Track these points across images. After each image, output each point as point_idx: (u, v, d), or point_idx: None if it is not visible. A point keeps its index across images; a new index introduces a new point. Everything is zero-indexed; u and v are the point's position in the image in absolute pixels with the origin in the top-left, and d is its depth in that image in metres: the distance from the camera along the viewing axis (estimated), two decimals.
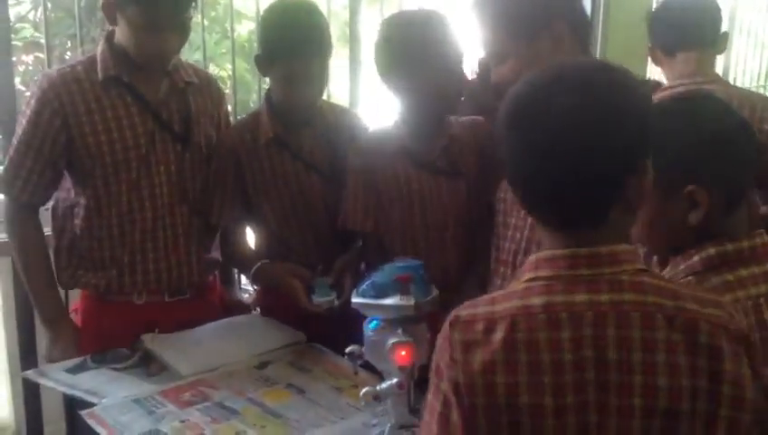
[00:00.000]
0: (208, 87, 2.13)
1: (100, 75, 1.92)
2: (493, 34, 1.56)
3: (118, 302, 2.03)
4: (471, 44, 1.81)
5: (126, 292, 2.03)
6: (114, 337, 1.98)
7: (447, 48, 1.84)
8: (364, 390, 1.49)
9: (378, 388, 1.48)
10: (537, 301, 1.01)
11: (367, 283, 1.52)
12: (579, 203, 1.01)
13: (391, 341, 1.46)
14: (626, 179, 1.00)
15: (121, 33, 1.89)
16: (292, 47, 1.88)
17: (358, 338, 2.07)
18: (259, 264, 2.00)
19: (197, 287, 2.12)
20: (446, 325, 1.05)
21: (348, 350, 1.57)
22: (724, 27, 2.53)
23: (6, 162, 1.97)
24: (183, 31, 1.90)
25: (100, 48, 1.95)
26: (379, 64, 1.89)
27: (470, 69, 2.00)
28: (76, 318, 2.11)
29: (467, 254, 1.93)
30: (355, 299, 1.52)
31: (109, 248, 2.00)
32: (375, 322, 1.52)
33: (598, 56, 3.22)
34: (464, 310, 1.06)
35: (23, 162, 1.93)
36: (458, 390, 1.02)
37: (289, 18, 1.92)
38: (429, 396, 1.07)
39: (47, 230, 2.09)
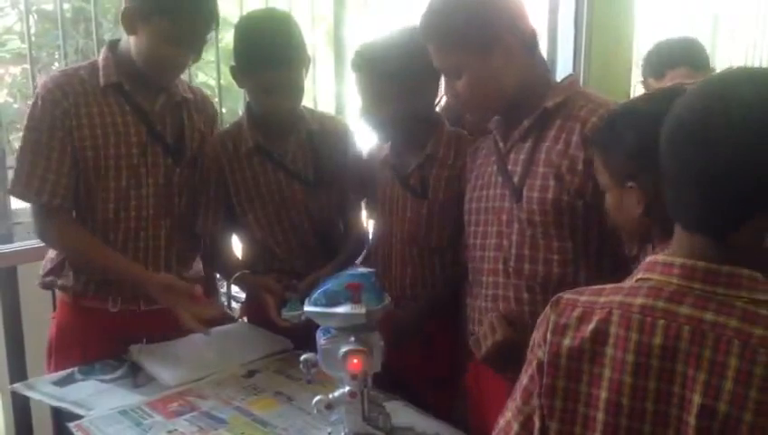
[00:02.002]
0: (203, 105, 2.13)
1: (101, 81, 1.92)
2: (445, 52, 1.59)
3: (93, 308, 2.02)
4: None
5: (101, 298, 2.01)
6: (89, 344, 1.98)
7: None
8: (316, 398, 1.49)
9: (330, 396, 1.48)
10: (638, 301, 1.01)
11: (319, 291, 1.51)
12: (728, 210, 0.98)
13: (343, 349, 1.46)
14: None
15: (137, 45, 1.88)
16: (262, 59, 1.89)
17: None
18: (239, 274, 2.01)
19: None
20: (547, 306, 1.09)
21: (302, 358, 1.57)
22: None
23: (23, 169, 1.90)
24: (199, 51, 1.91)
25: (102, 55, 1.95)
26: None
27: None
28: (51, 326, 2.10)
29: (423, 270, 1.96)
30: (307, 308, 1.51)
31: None
32: (328, 331, 1.51)
33: (582, 75, 3.23)
34: (569, 293, 1.08)
35: (47, 165, 1.88)
36: (541, 369, 1.05)
37: (259, 30, 1.94)
38: (523, 368, 1.11)
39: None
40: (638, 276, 1.05)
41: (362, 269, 1.56)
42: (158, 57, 1.87)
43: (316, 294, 1.51)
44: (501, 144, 1.68)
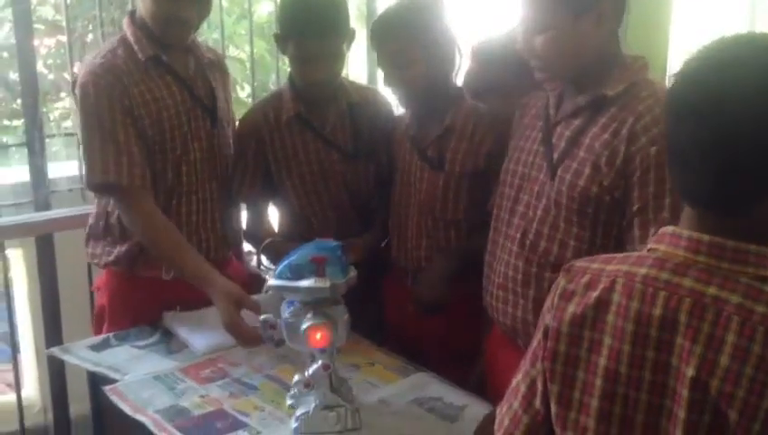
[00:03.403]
0: (219, 65, 2.16)
1: (140, 56, 1.93)
2: (538, 1, 1.52)
3: (145, 277, 2.03)
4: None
5: (157, 265, 2.01)
6: (141, 313, 2.01)
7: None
8: (295, 380, 1.50)
9: (306, 375, 1.48)
10: (642, 271, 1.00)
11: (284, 264, 1.50)
12: (738, 188, 0.96)
13: (304, 325, 1.46)
14: None
15: (143, 5, 1.90)
16: (305, 27, 1.90)
17: (379, 318, 2.10)
18: (267, 241, 2.02)
19: (219, 263, 2.14)
20: (561, 270, 1.10)
21: (261, 318, 1.58)
22: None
23: (95, 160, 1.89)
24: (201, 2, 1.91)
25: (129, 30, 1.96)
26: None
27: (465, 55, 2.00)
28: (100, 296, 2.14)
29: (438, 242, 1.96)
30: (272, 282, 1.51)
31: None
32: (293, 304, 1.51)
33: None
34: (582, 261, 1.10)
35: (117, 148, 1.88)
36: (546, 333, 1.07)
37: None
38: (535, 332, 1.12)
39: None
40: (650, 246, 1.05)
41: (328, 241, 1.54)
42: (159, 15, 1.88)
43: (281, 267, 1.50)
44: (552, 111, 1.63)
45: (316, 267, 1.47)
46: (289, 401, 1.58)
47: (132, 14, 1.99)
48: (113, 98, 1.89)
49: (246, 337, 1.75)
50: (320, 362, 1.48)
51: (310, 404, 1.51)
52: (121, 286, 2.07)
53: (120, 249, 2.02)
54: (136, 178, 1.89)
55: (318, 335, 1.46)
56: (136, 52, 1.94)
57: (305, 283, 1.47)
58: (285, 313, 1.51)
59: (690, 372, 0.94)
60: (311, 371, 1.49)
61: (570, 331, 1.04)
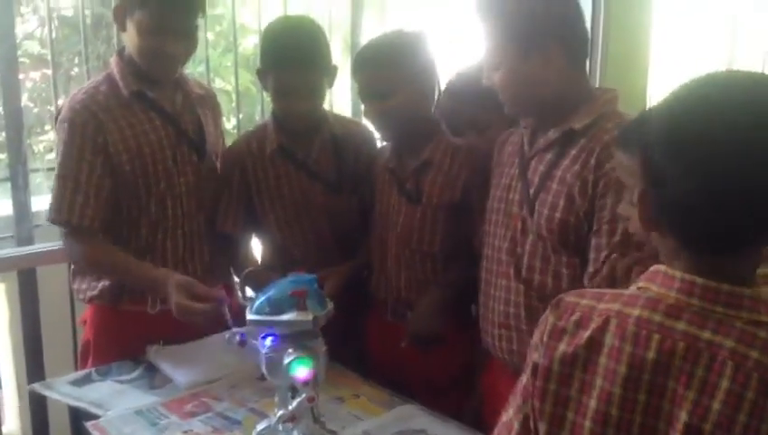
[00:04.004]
0: (210, 99, 2.17)
1: (124, 91, 1.95)
2: (492, 38, 1.57)
3: (130, 312, 2.03)
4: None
5: (142, 300, 2.01)
6: (126, 347, 1.99)
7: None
8: (278, 414, 1.49)
9: (290, 408, 1.47)
10: (635, 312, 0.99)
11: (261, 299, 1.50)
12: (731, 230, 0.95)
13: (290, 358, 1.46)
14: None
15: (129, 41, 1.92)
16: (282, 59, 1.93)
17: (359, 348, 2.09)
18: (247, 270, 2.02)
19: None
20: (549, 306, 1.08)
21: (227, 335, 1.58)
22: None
23: (55, 195, 1.92)
24: (189, 38, 1.94)
25: (115, 65, 1.98)
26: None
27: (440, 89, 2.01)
28: (86, 330, 2.12)
29: (416, 274, 1.97)
30: (251, 316, 1.50)
31: (134, 256, 1.98)
32: (270, 338, 1.50)
33: (598, 76, 3.23)
34: (570, 296, 1.07)
35: (75, 187, 1.90)
36: (536, 371, 1.05)
37: (285, 32, 1.99)
38: (525, 366, 1.11)
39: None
40: (640, 284, 1.03)
41: (304, 275, 1.54)
42: (146, 50, 1.90)
43: (258, 303, 1.50)
44: (527, 147, 1.67)
45: (297, 301, 1.47)
46: None
47: (121, 51, 2.01)
48: (85, 136, 1.90)
49: (198, 319, 1.79)
50: (303, 394, 1.47)
51: None
52: (106, 320, 2.06)
53: (104, 283, 2.02)
54: (85, 219, 1.91)
55: (301, 369, 1.45)
56: (120, 87, 1.95)
57: (288, 316, 1.47)
58: (265, 347, 1.51)
59: (684, 416, 0.93)
60: (294, 404, 1.48)
61: (560, 370, 1.03)
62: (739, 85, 0.97)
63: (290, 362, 1.46)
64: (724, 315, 0.95)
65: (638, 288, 1.03)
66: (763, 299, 0.96)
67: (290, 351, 1.47)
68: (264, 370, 1.52)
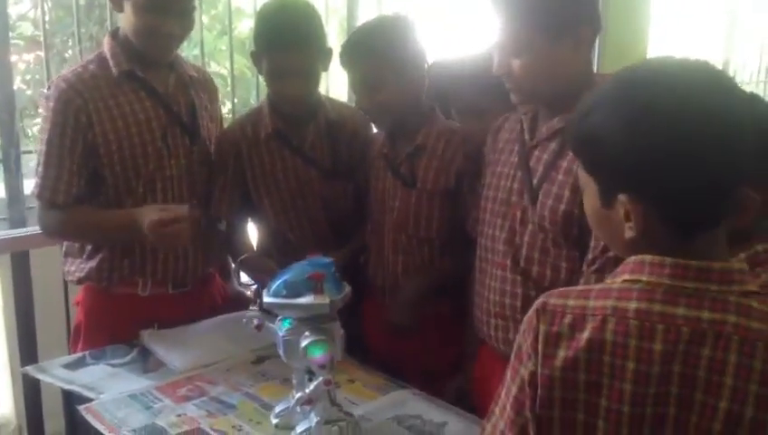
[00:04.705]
0: (205, 83, 2.15)
1: (114, 71, 1.93)
2: (516, 25, 1.52)
3: (121, 294, 2.03)
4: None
5: (133, 282, 2.02)
6: (117, 330, 1.99)
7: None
8: (297, 396, 1.49)
9: (307, 391, 1.47)
10: (633, 305, 0.98)
11: (278, 282, 1.50)
12: (699, 208, 0.97)
13: (307, 341, 1.46)
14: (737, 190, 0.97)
15: (126, 21, 1.90)
16: (276, 40, 1.91)
17: (359, 334, 2.09)
18: (242, 257, 2.01)
19: (200, 280, 2.13)
20: (532, 310, 1.04)
21: (248, 315, 1.58)
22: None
23: (40, 171, 1.93)
24: (185, 17, 1.91)
25: (107, 45, 1.96)
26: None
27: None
28: (78, 312, 2.12)
29: (413, 259, 1.97)
30: (267, 299, 1.50)
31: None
32: (287, 321, 1.51)
33: (595, 65, 3.22)
34: (553, 298, 1.04)
35: (59, 165, 1.90)
36: (534, 380, 1.02)
37: (278, 12, 1.96)
38: (507, 376, 1.07)
39: None
40: (625, 277, 1.01)
41: (321, 258, 1.54)
42: (143, 29, 1.88)
43: (275, 286, 1.50)
44: (527, 136, 1.64)
45: (314, 284, 1.47)
46: (275, 420, 1.57)
47: (114, 32, 1.99)
48: (67, 114, 1.88)
49: (173, 233, 1.78)
50: (320, 377, 1.47)
51: (311, 420, 1.50)
52: (97, 303, 2.05)
53: (91, 265, 2.01)
54: (59, 195, 1.91)
55: (318, 351, 1.45)
56: (110, 66, 1.93)
57: (304, 300, 1.47)
58: (281, 330, 1.50)
59: (698, 397, 0.94)
60: (311, 387, 1.48)
61: (563, 375, 1.00)
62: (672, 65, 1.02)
63: (307, 346, 1.46)
64: (718, 292, 0.96)
65: (624, 281, 1.01)
66: (748, 270, 0.98)
67: (306, 334, 1.47)
68: (280, 352, 1.52)
